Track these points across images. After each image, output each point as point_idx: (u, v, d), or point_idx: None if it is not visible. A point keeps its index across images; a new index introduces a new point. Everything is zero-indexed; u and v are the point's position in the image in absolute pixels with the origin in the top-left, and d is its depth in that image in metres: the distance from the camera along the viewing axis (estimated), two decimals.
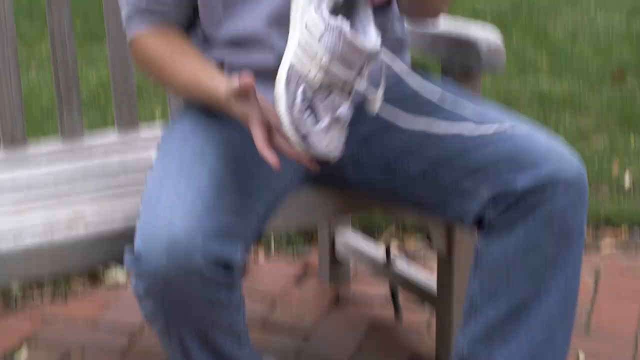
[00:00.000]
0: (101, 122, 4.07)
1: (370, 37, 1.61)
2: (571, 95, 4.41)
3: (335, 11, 1.63)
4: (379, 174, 1.97)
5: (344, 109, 1.61)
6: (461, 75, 2.16)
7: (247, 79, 1.62)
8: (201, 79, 1.81)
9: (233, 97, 1.68)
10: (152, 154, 2.24)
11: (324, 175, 2.01)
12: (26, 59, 5.09)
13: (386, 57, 1.65)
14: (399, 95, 1.96)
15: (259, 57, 1.91)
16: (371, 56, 1.58)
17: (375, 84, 1.82)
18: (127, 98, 2.40)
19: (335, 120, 1.61)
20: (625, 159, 3.62)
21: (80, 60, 4.83)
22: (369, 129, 1.96)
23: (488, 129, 1.84)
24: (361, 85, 1.60)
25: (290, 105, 1.59)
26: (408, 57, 2.09)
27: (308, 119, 1.59)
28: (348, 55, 1.57)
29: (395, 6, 1.99)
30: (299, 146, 1.59)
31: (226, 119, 1.84)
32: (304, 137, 1.59)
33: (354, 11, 1.67)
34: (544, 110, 4.19)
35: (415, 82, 1.77)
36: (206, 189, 1.70)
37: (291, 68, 1.61)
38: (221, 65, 1.93)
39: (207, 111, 1.93)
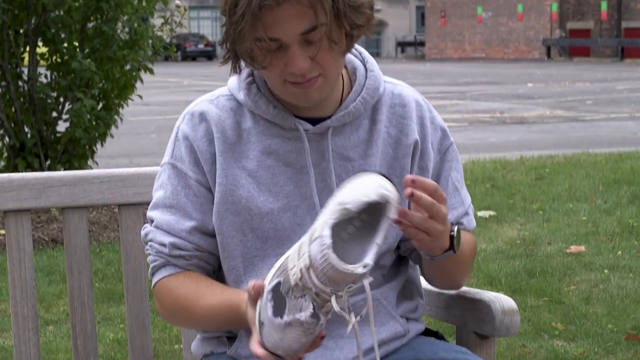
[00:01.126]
0: None
1: (362, 261, 1.69)
2: (585, 357, 4.40)
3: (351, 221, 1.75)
4: None
5: (305, 315, 1.67)
6: (476, 340, 2.17)
7: (259, 282, 1.71)
8: (230, 295, 1.96)
9: (248, 301, 1.79)
10: None
11: None
12: (44, 316, 5.13)
13: (382, 295, 1.73)
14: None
15: None
16: (351, 280, 1.66)
17: (357, 312, 1.92)
18: (144, 358, 2.42)
19: (297, 323, 1.68)
20: None
21: (97, 318, 4.86)
22: None
23: None
24: (334, 304, 1.67)
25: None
26: (421, 321, 2.15)
27: (269, 308, 1.69)
28: (326, 270, 1.66)
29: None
30: (255, 333, 1.69)
31: None
32: (262, 324, 1.70)
33: (369, 231, 1.76)
34: None
35: (429, 348, 1.81)
36: None
37: (285, 260, 1.74)
38: None
39: None
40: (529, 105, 19.50)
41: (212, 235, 2.07)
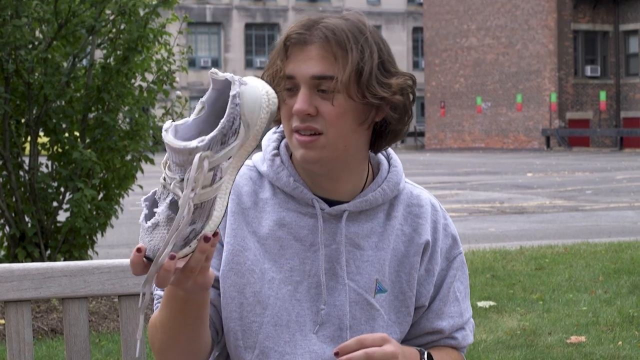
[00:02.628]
0: None
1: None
2: None
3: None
4: None
5: (161, 209, 1.70)
6: None
7: None
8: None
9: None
10: None
11: None
12: None
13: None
14: None
15: None
16: (191, 158, 1.67)
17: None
18: None
19: (158, 221, 1.70)
20: None
21: None
22: None
23: None
24: (176, 190, 1.69)
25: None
26: None
27: (142, 215, 1.74)
28: (170, 155, 1.70)
29: None
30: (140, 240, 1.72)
31: None
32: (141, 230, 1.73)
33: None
34: None
35: None
36: None
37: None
38: None
39: None
40: (529, 195, 19.56)
41: (216, 287, 2.09)
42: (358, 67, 1.96)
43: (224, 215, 1.72)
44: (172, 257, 1.68)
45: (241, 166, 1.74)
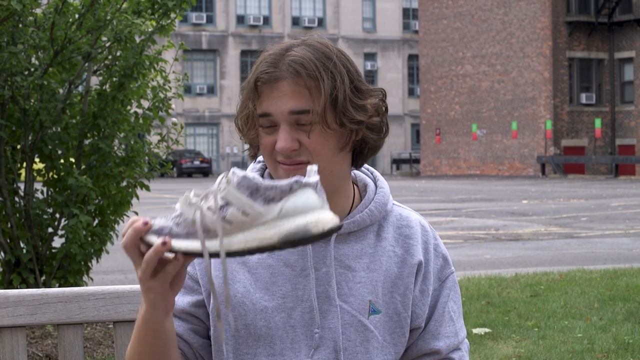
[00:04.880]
0: None
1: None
2: None
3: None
4: None
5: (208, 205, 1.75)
6: None
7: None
8: None
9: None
10: None
11: None
12: None
13: None
14: None
15: None
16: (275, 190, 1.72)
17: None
18: None
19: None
20: None
21: None
22: None
23: None
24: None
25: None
26: None
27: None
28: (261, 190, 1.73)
29: None
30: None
31: None
32: None
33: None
34: None
35: None
36: None
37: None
38: None
39: None
40: (524, 222, 19.57)
41: (184, 320, 2.10)
42: (332, 96, 1.98)
43: (232, 256, 1.74)
44: (164, 243, 1.74)
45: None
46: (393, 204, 2.19)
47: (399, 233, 2.15)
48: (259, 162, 2.17)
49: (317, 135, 1.99)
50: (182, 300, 2.10)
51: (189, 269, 2.09)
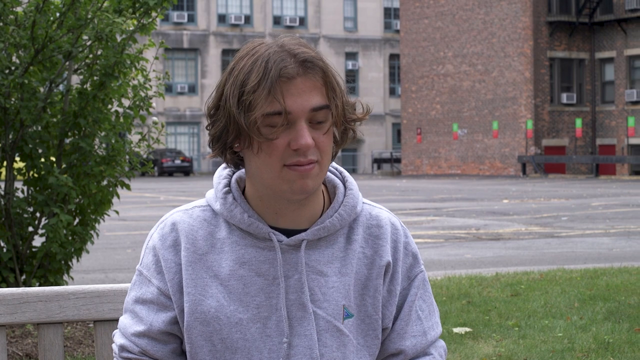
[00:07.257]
0: None
1: None
2: None
3: None
4: None
5: None
6: None
7: None
8: None
9: None
10: None
11: None
12: None
13: None
14: None
15: None
16: None
17: None
18: None
19: None
20: None
21: None
22: None
23: None
24: None
25: None
26: None
27: None
28: None
29: None
30: None
31: None
32: None
33: None
34: None
35: None
36: None
37: None
38: None
39: None
40: (505, 221, 19.61)
41: (163, 342, 2.09)
42: (342, 92, 1.99)
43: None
44: None
45: None
46: (363, 203, 2.17)
47: (368, 233, 2.14)
48: (226, 168, 2.12)
49: (329, 133, 1.98)
50: (157, 319, 2.09)
51: (159, 284, 2.09)
